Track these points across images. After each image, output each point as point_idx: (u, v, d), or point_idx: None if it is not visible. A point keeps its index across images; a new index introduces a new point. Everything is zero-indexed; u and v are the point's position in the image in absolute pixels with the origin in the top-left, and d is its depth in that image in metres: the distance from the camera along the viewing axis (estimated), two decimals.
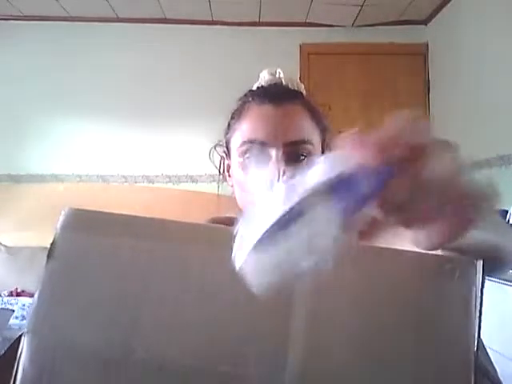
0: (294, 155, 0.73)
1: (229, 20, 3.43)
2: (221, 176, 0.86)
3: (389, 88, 3.46)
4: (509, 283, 1.68)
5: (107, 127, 3.43)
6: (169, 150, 3.42)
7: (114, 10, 3.31)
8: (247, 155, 0.75)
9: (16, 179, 3.35)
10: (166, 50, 3.45)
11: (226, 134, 0.82)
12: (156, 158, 3.42)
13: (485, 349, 0.59)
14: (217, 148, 0.88)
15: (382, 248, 0.42)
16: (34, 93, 3.34)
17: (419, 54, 3.48)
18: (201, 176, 3.41)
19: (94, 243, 0.44)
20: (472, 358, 0.36)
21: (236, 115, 0.80)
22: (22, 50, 3.41)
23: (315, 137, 0.76)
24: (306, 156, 0.74)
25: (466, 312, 0.37)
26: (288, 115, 0.74)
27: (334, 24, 3.44)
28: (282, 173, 0.71)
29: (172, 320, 0.40)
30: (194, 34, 3.45)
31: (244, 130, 0.76)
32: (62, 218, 0.45)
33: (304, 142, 0.74)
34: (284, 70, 0.85)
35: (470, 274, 0.38)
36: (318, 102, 0.82)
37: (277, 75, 0.83)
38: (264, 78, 0.84)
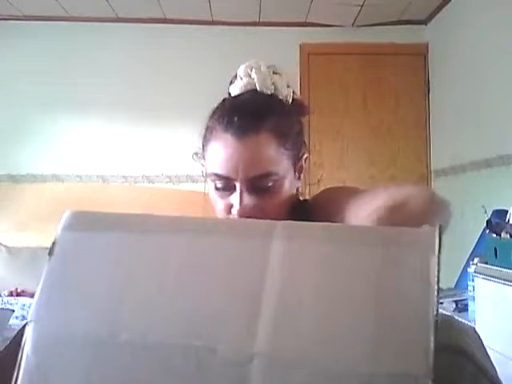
0: (258, 187, 0.74)
1: (229, 20, 3.43)
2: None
3: (389, 88, 3.46)
4: (509, 283, 1.68)
5: (107, 127, 3.43)
6: (169, 150, 3.41)
7: (114, 10, 3.31)
8: (215, 183, 0.79)
9: (16, 179, 3.35)
10: (166, 50, 3.44)
11: (202, 147, 0.84)
12: (156, 158, 3.42)
13: (485, 349, 0.59)
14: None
15: (342, 225, 0.45)
16: (34, 93, 3.34)
17: (419, 54, 3.48)
18: (201, 176, 3.40)
19: (88, 240, 0.49)
20: (432, 327, 0.36)
21: (208, 133, 0.81)
22: (22, 50, 3.41)
23: (282, 163, 0.76)
24: (271, 185, 0.75)
25: (426, 281, 0.38)
26: (250, 150, 0.73)
27: (333, 24, 3.43)
28: (243, 204, 0.74)
29: (152, 303, 0.43)
30: (194, 34, 3.45)
31: (210, 159, 0.79)
32: (62, 220, 0.50)
33: (267, 174, 0.74)
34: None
35: (428, 243, 0.39)
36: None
37: (252, 75, 0.80)
38: (239, 81, 0.82)
